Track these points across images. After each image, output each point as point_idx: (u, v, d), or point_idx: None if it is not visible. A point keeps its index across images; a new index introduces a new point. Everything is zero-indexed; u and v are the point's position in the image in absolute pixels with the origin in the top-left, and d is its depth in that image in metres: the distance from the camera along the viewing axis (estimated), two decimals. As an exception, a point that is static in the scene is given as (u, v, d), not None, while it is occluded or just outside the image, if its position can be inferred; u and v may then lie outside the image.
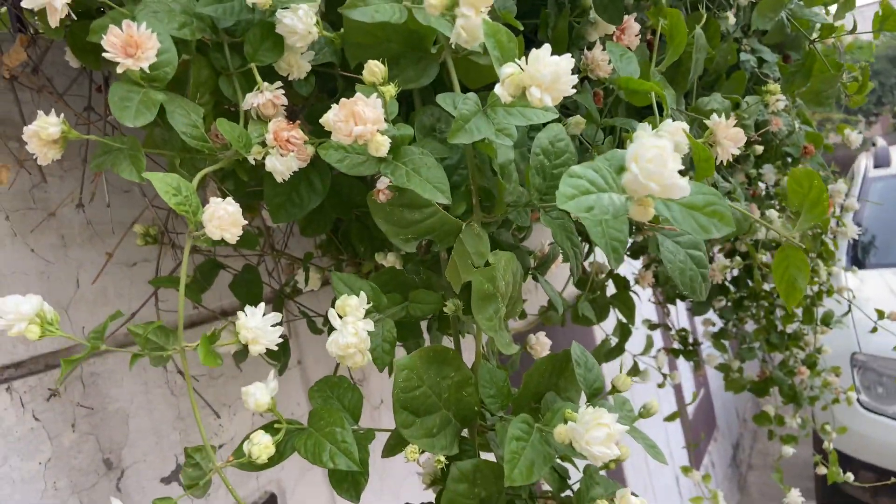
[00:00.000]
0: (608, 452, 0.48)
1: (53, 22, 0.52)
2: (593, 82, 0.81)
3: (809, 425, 1.84)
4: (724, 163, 0.69)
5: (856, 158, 5.90)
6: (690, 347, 1.89)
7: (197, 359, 0.51)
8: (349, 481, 0.53)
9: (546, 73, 0.45)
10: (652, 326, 1.82)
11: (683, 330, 1.89)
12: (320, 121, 0.53)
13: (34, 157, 0.57)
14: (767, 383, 1.73)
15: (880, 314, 1.82)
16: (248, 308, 0.51)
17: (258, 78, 0.59)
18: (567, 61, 0.46)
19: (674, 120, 0.59)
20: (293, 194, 0.65)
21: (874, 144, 5.59)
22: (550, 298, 0.86)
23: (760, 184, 1.54)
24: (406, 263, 0.73)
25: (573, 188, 0.39)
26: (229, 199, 0.51)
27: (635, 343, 1.48)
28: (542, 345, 0.81)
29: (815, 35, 1.09)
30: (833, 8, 1.24)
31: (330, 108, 0.51)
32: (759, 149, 1.21)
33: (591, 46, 0.80)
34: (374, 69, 0.52)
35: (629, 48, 0.74)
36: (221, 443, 1.07)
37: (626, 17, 0.80)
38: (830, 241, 1.78)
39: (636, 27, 0.81)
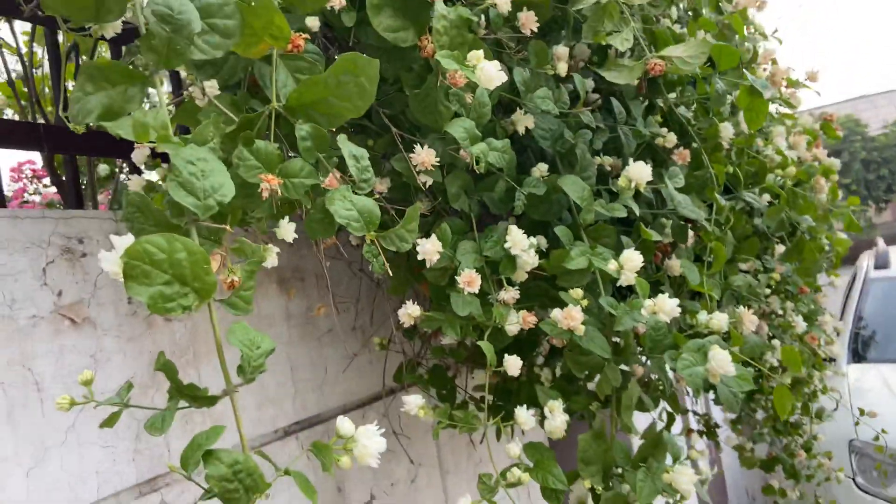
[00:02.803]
0: (690, 489, 0.99)
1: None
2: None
3: (809, 500, 2.29)
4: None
5: (859, 255, 6.41)
6: (713, 430, 2.38)
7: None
8: (555, 495, 1.04)
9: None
10: (683, 412, 2.31)
11: (706, 415, 2.38)
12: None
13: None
14: (774, 462, 2.21)
15: (861, 412, 2.29)
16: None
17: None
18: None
19: (720, 306, 1.12)
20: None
21: (875, 245, 6.09)
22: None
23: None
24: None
25: (686, 366, 0.92)
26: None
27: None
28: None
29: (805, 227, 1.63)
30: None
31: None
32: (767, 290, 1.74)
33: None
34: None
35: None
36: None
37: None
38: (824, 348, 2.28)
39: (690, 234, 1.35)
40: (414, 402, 0.99)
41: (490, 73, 0.89)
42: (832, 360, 4.55)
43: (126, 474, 1.06)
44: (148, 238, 0.58)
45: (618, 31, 1.06)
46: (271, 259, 0.99)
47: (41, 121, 1.28)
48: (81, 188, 1.27)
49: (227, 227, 0.63)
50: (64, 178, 1.26)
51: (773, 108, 2.17)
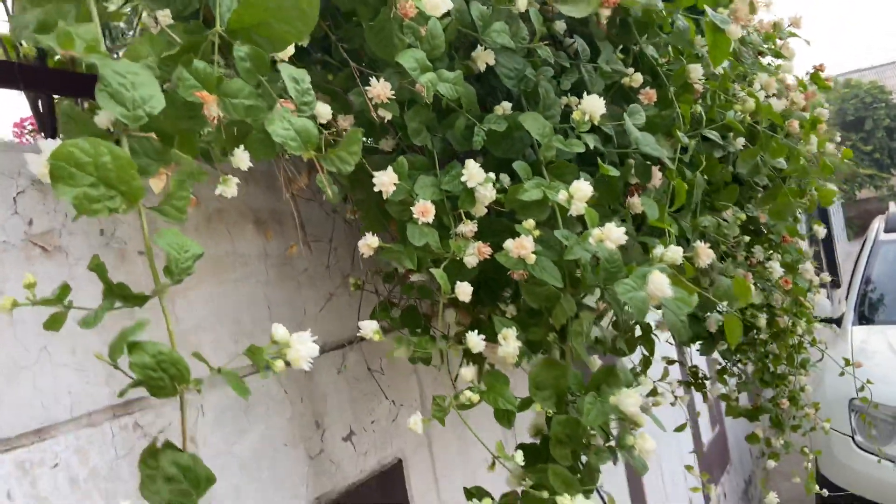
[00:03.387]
0: (636, 412, 1.02)
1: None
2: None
3: (792, 448, 2.33)
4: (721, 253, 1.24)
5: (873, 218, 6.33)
6: (700, 381, 2.41)
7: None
8: (506, 416, 1.08)
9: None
10: (669, 362, 2.34)
11: (695, 366, 2.41)
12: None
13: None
14: (758, 411, 2.23)
15: (847, 362, 2.30)
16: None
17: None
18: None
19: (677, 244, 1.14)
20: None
21: (888, 209, 6.02)
22: (598, 337, 1.41)
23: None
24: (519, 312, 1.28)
25: (627, 290, 0.94)
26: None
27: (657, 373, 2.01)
28: (595, 363, 1.35)
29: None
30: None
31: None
32: (746, 238, 1.75)
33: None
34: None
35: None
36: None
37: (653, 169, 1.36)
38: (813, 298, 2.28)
39: (659, 175, 1.36)
40: (368, 326, 1.03)
41: (435, 1, 0.91)
42: (832, 320, 4.54)
43: (99, 396, 1.11)
44: (73, 141, 0.61)
45: (573, -37, 1.07)
46: (231, 189, 1.03)
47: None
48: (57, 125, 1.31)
49: (153, 136, 0.66)
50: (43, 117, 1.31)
51: (767, 61, 2.15)
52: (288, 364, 0.75)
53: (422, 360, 1.27)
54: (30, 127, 2.54)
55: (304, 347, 0.74)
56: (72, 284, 1.10)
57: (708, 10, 1.16)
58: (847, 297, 5.03)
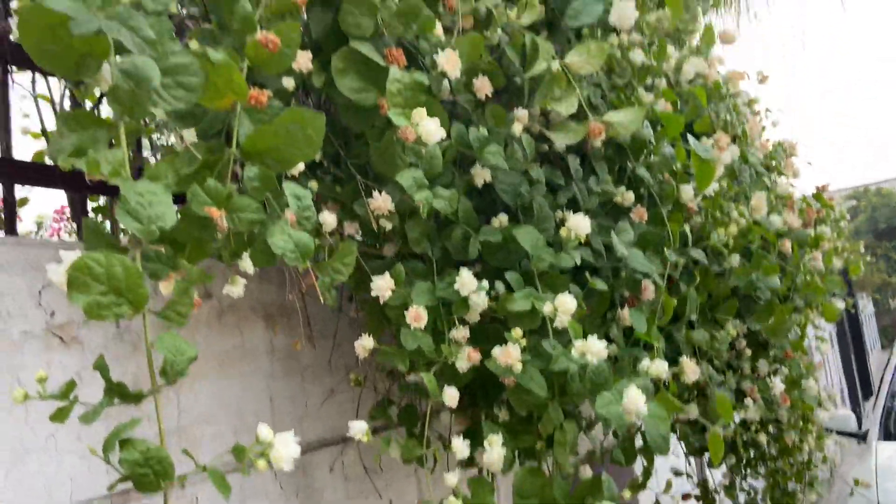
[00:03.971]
0: (615, 525, 1.04)
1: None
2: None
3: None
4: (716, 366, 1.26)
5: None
6: (710, 496, 2.36)
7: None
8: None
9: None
10: (677, 473, 2.30)
11: (704, 480, 2.36)
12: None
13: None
14: (768, 530, 2.17)
15: (856, 482, 2.24)
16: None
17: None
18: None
19: (665, 359, 1.18)
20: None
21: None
22: (593, 447, 1.42)
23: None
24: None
25: (605, 403, 0.98)
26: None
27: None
28: (587, 472, 1.36)
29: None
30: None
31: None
32: (748, 351, 1.77)
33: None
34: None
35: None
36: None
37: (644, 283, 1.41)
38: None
39: (651, 289, 1.41)
40: (358, 427, 1.07)
41: (430, 129, 1.00)
42: (856, 435, 4.40)
43: (99, 484, 1.15)
44: (90, 254, 0.69)
45: (564, 96, 1.17)
46: (237, 289, 1.11)
47: None
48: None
49: (161, 249, 0.74)
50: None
51: (773, 178, 2.23)
52: (270, 464, 0.79)
53: (416, 460, 1.30)
54: (68, 213, 2.70)
55: (286, 448, 0.79)
56: (86, 374, 1.17)
57: (692, 140, 1.25)
58: (874, 410, 4.89)
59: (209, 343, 1.38)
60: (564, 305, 1.08)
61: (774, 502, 2.23)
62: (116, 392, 0.72)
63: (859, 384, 9.80)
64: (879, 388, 5.21)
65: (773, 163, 2.08)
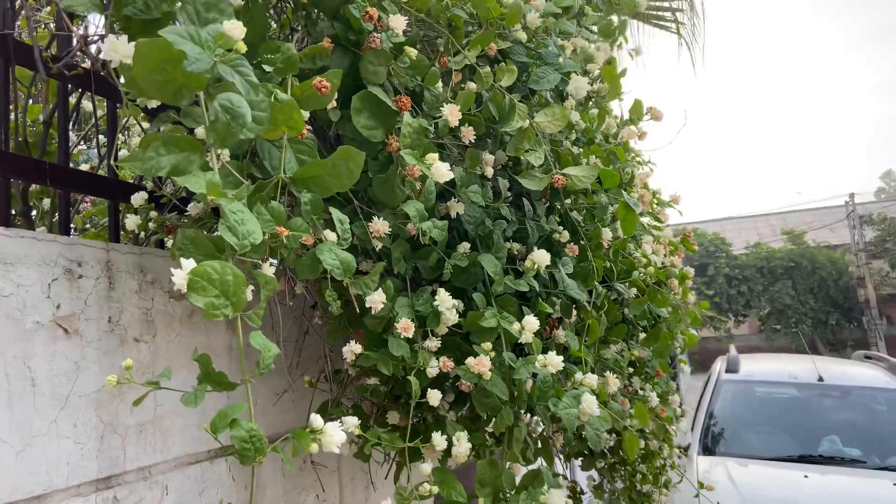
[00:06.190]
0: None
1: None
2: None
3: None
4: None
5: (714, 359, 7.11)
6: (578, 495, 2.68)
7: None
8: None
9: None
10: (554, 475, 2.60)
11: (574, 482, 2.69)
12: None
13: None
14: (626, 525, 2.53)
15: (700, 485, 2.67)
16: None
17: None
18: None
19: (594, 372, 1.44)
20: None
21: (728, 352, 6.81)
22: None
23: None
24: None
25: (564, 406, 1.21)
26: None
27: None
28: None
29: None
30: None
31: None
32: (630, 369, 2.10)
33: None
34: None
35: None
36: None
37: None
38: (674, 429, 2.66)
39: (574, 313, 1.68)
40: (352, 421, 1.22)
41: (442, 171, 1.19)
42: (686, 448, 5.03)
43: (89, 469, 1.21)
44: (209, 262, 0.81)
45: (533, 150, 1.40)
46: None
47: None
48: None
49: (259, 262, 0.88)
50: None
51: (646, 220, 2.62)
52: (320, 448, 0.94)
53: (362, 457, 1.47)
54: None
55: (335, 433, 0.94)
56: (81, 363, 1.23)
57: (624, 194, 1.53)
58: (693, 429, 5.59)
59: (181, 339, 1.46)
60: (530, 324, 1.30)
61: (632, 501, 2.59)
62: (213, 380, 0.84)
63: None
64: (697, 409, 5.95)
65: (656, 208, 2.45)
